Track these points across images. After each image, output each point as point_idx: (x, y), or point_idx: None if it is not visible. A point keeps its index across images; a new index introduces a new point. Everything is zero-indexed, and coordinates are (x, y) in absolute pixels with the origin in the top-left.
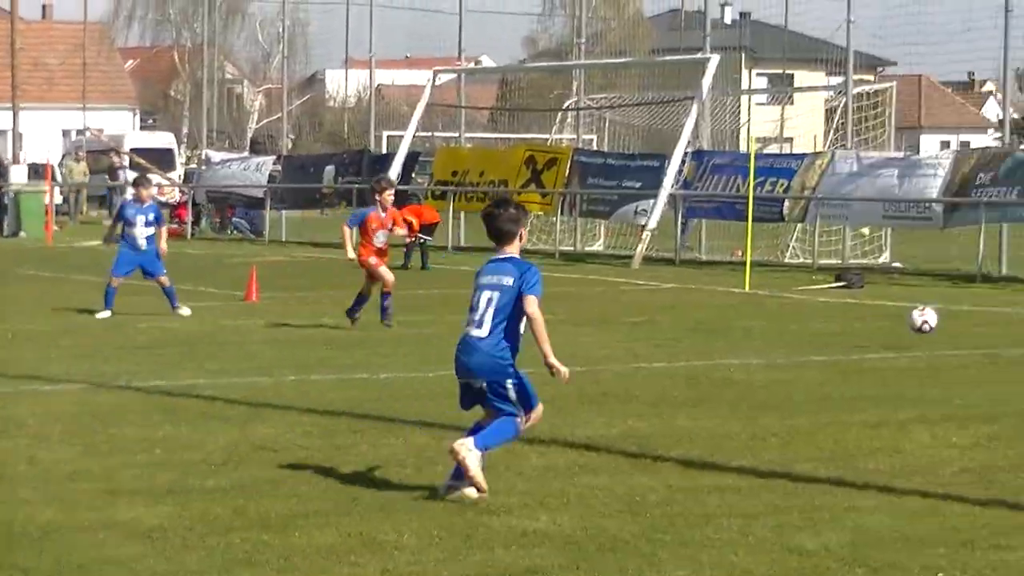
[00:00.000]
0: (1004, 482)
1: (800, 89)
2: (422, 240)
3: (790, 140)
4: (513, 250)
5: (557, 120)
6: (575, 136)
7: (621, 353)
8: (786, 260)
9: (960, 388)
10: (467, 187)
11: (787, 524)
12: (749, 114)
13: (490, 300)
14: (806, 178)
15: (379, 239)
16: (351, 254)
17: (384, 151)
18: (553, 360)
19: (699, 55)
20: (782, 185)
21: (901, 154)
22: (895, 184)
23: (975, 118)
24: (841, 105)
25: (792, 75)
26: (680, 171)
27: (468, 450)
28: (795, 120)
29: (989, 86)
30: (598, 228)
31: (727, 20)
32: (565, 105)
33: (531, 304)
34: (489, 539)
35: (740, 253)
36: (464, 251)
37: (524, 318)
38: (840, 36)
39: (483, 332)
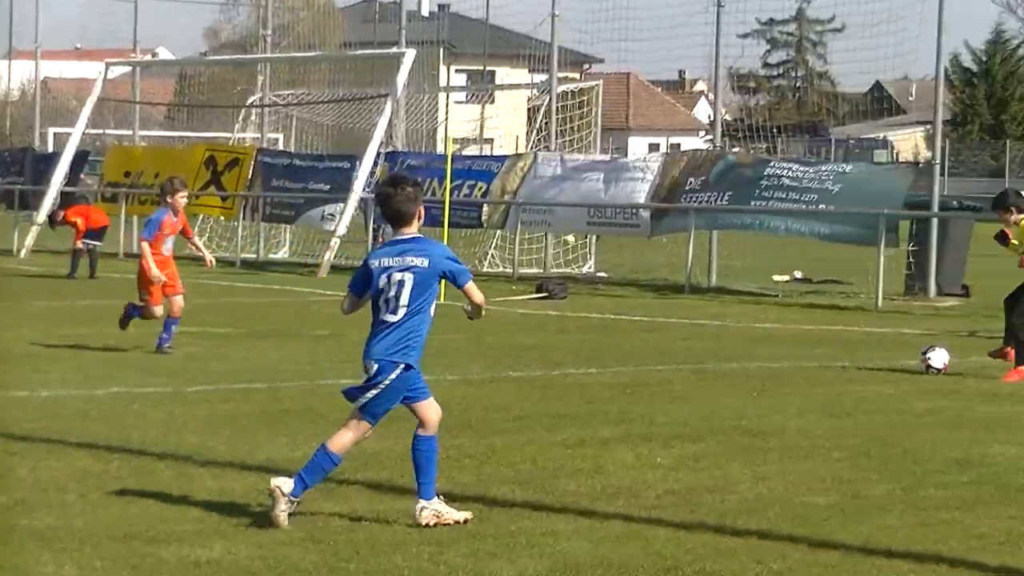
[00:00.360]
0: (710, 504)
1: (501, 87)
2: (90, 246)
3: (490, 141)
4: (413, 231)
5: (240, 118)
6: (259, 135)
7: (306, 368)
8: (485, 269)
9: (665, 405)
10: (141, 189)
11: (482, 551)
12: (447, 113)
13: (402, 283)
14: (506, 181)
15: (167, 247)
16: (155, 272)
17: (50, 149)
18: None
19: (394, 49)
20: (481, 188)
21: (608, 157)
22: (601, 189)
23: (686, 119)
24: (545, 104)
25: (493, 72)
26: (372, 173)
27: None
28: (496, 120)
29: (700, 86)
30: (283, 234)
31: (424, 12)
32: (249, 101)
33: (474, 293)
34: (158, 570)
35: None
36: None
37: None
38: (544, 31)
39: (397, 317)
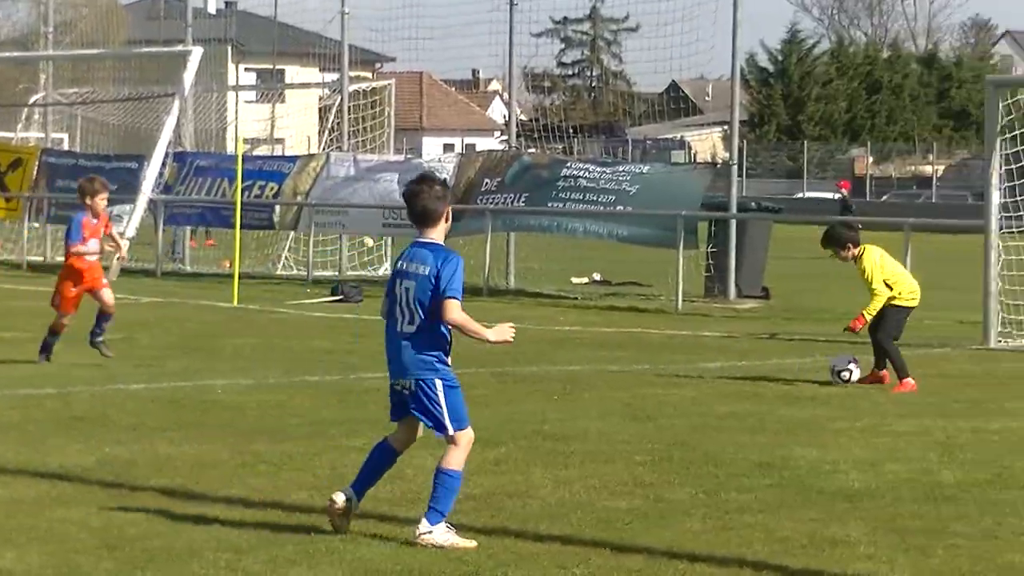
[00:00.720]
0: (511, 509)
1: (291, 86)
2: None
3: (281, 141)
4: (436, 235)
5: (23, 117)
6: (43, 134)
7: (96, 374)
8: (279, 272)
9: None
10: None
11: (280, 558)
12: (237, 112)
13: (408, 291)
14: (299, 182)
15: (91, 248)
16: (89, 247)
17: None
18: (489, 335)
19: (180, 47)
20: (272, 189)
21: (402, 157)
22: (395, 189)
23: (481, 119)
24: (336, 104)
25: (283, 71)
26: (161, 174)
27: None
28: (287, 119)
29: (495, 85)
30: None
31: (211, 9)
32: (32, 100)
33: (450, 311)
34: None
35: (228, 264)
36: None
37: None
38: (334, 29)
39: (411, 328)
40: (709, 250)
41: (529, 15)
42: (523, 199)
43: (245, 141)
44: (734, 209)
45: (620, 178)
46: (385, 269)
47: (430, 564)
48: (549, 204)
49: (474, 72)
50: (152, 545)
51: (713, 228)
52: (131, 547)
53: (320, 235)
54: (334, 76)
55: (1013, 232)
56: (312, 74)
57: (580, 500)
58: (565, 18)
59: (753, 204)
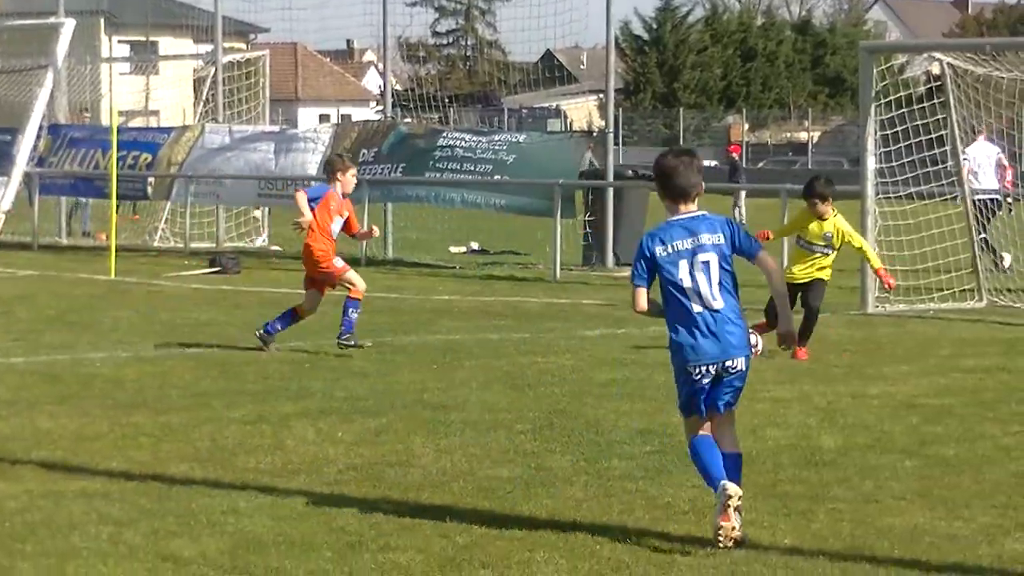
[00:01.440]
0: (393, 478)
1: (165, 57)
2: None
3: (156, 113)
4: (696, 207)
5: None
6: None
7: None
8: (156, 244)
9: (345, 380)
10: None
11: (162, 530)
12: (111, 84)
13: (708, 264)
14: (174, 152)
15: (335, 228)
16: (308, 215)
17: None
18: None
19: (52, 19)
20: (147, 160)
21: (277, 128)
22: (271, 160)
23: (356, 90)
24: (211, 75)
25: (157, 42)
26: (35, 147)
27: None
28: (161, 91)
29: (370, 55)
30: None
31: None
32: None
33: (766, 260)
34: None
35: (104, 237)
36: None
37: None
38: (207, 1)
39: (721, 302)
40: (587, 219)
41: None
42: (400, 169)
43: (120, 113)
44: (611, 177)
45: (497, 147)
46: (263, 240)
47: (312, 536)
48: (427, 174)
49: (348, 42)
50: (33, 519)
51: (590, 196)
52: (11, 520)
53: (197, 207)
54: (208, 47)
55: (890, 198)
56: (186, 45)
57: (461, 469)
58: None
59: (630, 172)
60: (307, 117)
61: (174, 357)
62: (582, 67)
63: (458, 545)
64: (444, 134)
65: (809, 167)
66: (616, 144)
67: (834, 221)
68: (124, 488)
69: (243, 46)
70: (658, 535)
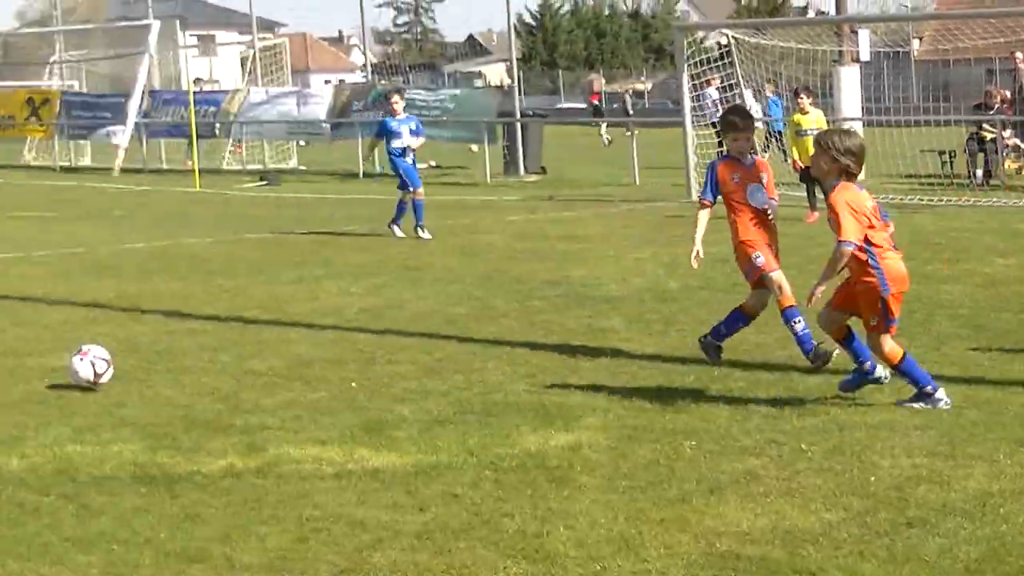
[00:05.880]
0: (390, 317)
1: (221, 45)
2: None
3: (218, 81)
4: None
5: (47, 71)
6: (62, 82)
7: (110, 238)
8: (224, 167)
9: (354, 254)
10: None
11: (243, 354)
12: (187, 64)
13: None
14: (230, 107)
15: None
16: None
17: None
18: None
19: (145, 22)
20: (212, 111)
21: (297, 88)
22: (294, 109)
23: (347, 63)
24: (251, 56)
25: (214, 35)
26: (140, 105)
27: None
28: (220, 67)
29: (355, 40)
30: (86, 148)
31: None
32: (51, 60)
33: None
34: None
35: (189, 163)
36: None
37: None
38: (245, 4)
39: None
40: (504, 144)
41: None
42: (380, 114)
43: (194, 82)
44: (518, 115)
45: (442, 99)
46: (293, 163)
47: (342, 354)
48: None
49: (340, 32)
50: (159, 348)
51: (506, 129)
52: (145, 350)
53: (250, 142)
54: (248, 37)
55: (698, 125)
56: (234, 36)
57: (433, 308)
58: None
59: (530, 112)
60: (316, 82)
61: (241, 240)
62: (493, 43)
63: (436, 359)
64: (406, 90)
65: (647, 106)
66: (519, 95)
67: (815, 114)
68: (215, 326)
69: (271, 36)
70: (565, 349)
